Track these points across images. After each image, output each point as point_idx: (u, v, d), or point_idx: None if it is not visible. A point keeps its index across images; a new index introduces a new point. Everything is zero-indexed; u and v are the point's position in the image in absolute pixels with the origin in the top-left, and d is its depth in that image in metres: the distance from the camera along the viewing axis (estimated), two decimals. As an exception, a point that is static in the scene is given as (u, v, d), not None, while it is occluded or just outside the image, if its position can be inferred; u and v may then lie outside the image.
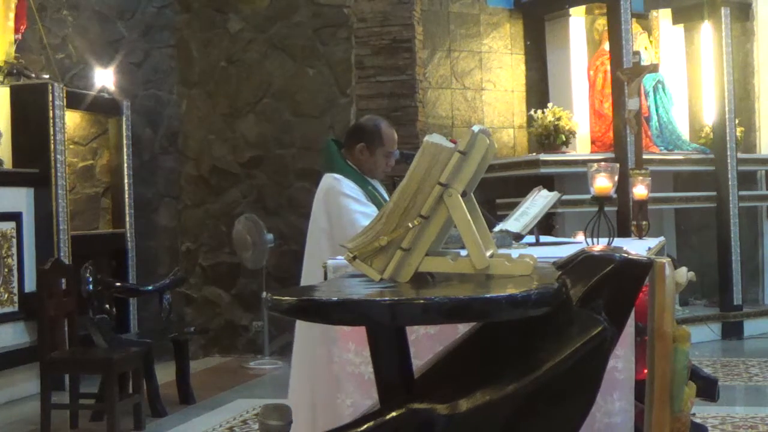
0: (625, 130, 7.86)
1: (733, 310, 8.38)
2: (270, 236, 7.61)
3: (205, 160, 8.29)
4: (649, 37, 8.88)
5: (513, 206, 3.95)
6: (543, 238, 3.91)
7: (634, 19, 8.30)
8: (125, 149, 7.84)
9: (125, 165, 7.83)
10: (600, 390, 2.08)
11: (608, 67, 8.37)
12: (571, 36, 8.63)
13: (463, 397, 1.97)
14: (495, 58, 8.82)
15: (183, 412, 6.12)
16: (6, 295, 6.52)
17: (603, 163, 3.50)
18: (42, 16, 8.02)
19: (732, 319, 8.37)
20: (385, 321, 1.90)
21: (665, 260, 2.20)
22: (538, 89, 8.90)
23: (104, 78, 7.90)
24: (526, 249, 3.25)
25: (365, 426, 2.00)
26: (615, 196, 3.62)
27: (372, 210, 3.69)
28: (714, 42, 8.45)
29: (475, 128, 2.12)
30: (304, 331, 3.74)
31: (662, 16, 8.88)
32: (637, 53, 8.06)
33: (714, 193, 8.45)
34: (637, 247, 3.14)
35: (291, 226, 7.67)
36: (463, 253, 2.13)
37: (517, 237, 3.51)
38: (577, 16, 8.68)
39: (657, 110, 8.59)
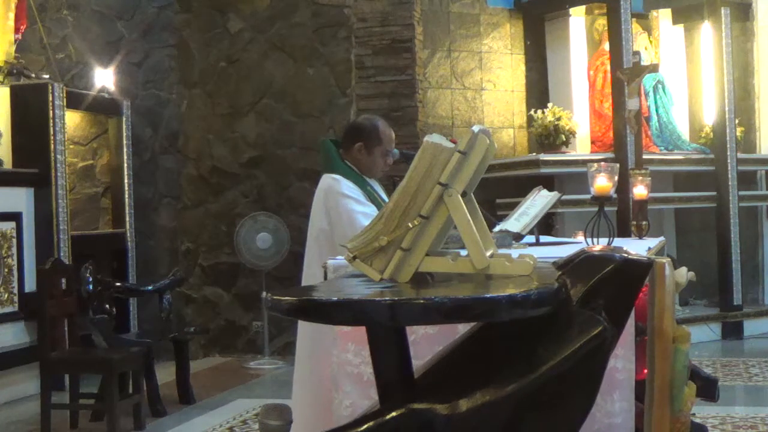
0: (625, 130, 7.86)
1: (733, 310, 8.38)
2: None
3: (205, 160, 8.28)
4: (649, 37, 8.88)
5: (513, 206, 3.95)
6: (543, 238, 3.91)
7: (634, 19, 8.30)
8: (125, 149, 7.85)
9: (125, 165, 7.83)
10: (600, 390, 2.08)
11: (608, 67, 8.37)
12: (571, 36, 8.62)
13: (463, 397, 1.97)
14: (495, 58, 8.82)
15: (183, 412, 6.12)
16: (6, 295, 6.52)
17: (603, 163, 3.50)
18: (42, 16, 8.03)
19: (732, 319, 8.37)
20: (385, 321, 1.90)
21: (665, 260, 2.20)
22: (538, 89, 8.90)
23: (104, 78, 7.91)
24: (526, 249, 3.25)
25: (365, 426, 2.00)
26: (615, 196, 3.61)
27: (371, 210, 3.69)
28: (714, 42, 8.45)
29: (475, 128, 2.12)
30: (305, 331, 3.74)
31: (662, 16, 8.88)
32: (637, 53, 8.06)
33: (714, 193, 8.45)
34: (637, 247, 3.14)
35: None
36: (463, 253, 2.13)
37: (517, 237, 3.51)
38: (577, 16, 8.68)
39: (657, 110, 8.58)
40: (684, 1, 8.83)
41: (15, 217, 6.67)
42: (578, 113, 8.49)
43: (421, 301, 1.89)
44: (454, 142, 2.13)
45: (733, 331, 8.36)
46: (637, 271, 2.14)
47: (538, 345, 2.02)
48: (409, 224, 2.08)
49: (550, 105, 8.36)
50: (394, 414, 1.99)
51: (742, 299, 8.42)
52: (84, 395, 5.78)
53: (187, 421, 5.88)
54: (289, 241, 7.61)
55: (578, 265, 2.14)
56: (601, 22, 8.64)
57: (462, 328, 2.34)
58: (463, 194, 2.09)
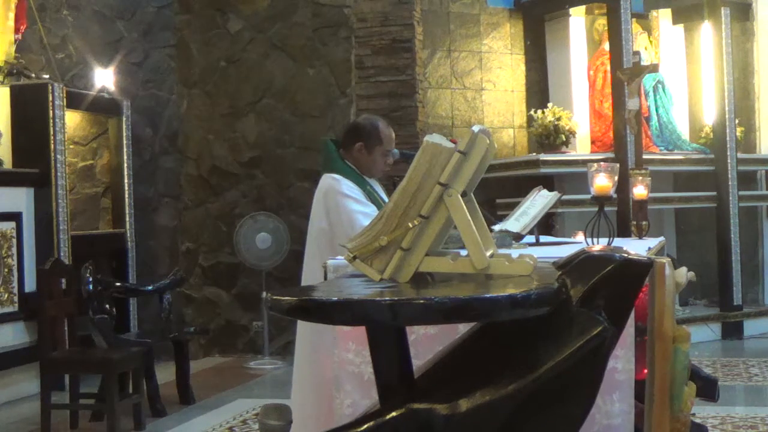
0: (625, 130, 7.86)
1: (733, 310, 8.38)
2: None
3: (205, 160, 8.28)
4: (649, 37, 8.88)
5: (513, 206, 3.95)
6: (543, 238, 3.91)
7: (634, 19, 8.30)
8: (125, 149, 7.85)
9: (125, 165, 7.83)
10: (600, 391, 2.08)
11: (608, 67, 8.37)
12: (571, 36, 8.62)
13: (463, 397, 1.97)
14: (495, 58, 8.82)
15: (183, 412, 6.12)
16: (6, 295, 6.52)
17: (603, 163, 3.50)
18: (42, 16, 8.03)
19: (732, 319, 8.37)
20: (385, 321, 1.90)
21: (665, 260, 2.20)
22: (538, 89, 8.90)
23: (104, 78, 7.91)
24: (526, 249, 3.25)
25: (365, 426, 2.00)
26: (615, 196, 3.62)
27: (371, 210, 3.70)
28: (714, 42, 8.45)
29: (475, 128, 2.12)
30: (304, 330, 3.74)
31: (662, 16, 8.88)
32: (637, 53, 8.06)
33: (714, 193, 8.45)
34: (637, 247, 3.14)
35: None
36: (463, 253, 2.13)
37: (517, 237, 3.51)
38: (577, 16, 8.68)
39: (657, 110, 8.58)
40: (684, 1, 8.83)
41: (15, 217, 6.66)
42: (578, 113, 8.48)
43: (422, 301, 1.89)
44: (454, 142, 2.13)
45: (733, 331, 8.35)
46: (637, 271, 2.14)
47: (538, 345, 2.02)
48: (409, 224, 2.08)
49: (550, 105, 8.36)
50: (394, 414, 1.99)
51: (742, 299, 8.41)
52: (84, 395, 5.78)
53: (187, 421, 5.88)
54: (288, 241, 7.61)
55: (578, 265, 2.14)
56: (601, 22, 8.64)
57: (462, 328, 2.34)
58: (463, 194, 2.09)
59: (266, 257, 7.66)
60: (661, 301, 2.16)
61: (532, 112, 8.44)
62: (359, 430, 2.00)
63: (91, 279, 5.74)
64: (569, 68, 8.62)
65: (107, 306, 5.85)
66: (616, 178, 3.44)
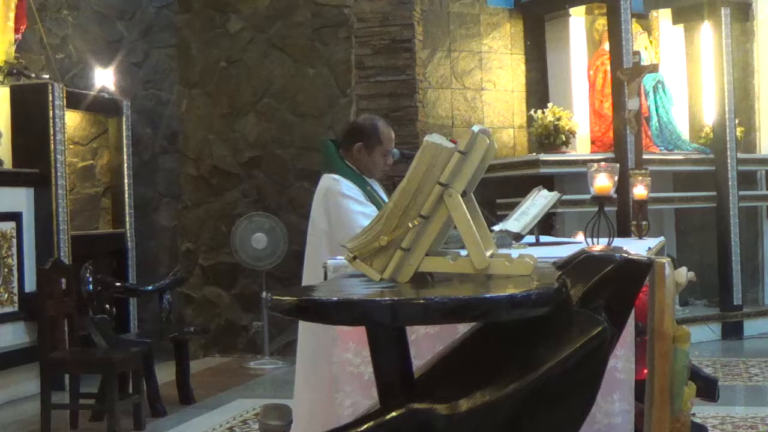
0: (625, 130, 7.86)
1: (733, 310, 8.38)
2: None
3: (205, 160, 8.28)
4: (649, 37, 8.88)
5: (513, 206, 3.95)
6: (543, 238, 3.91)
7: (634, 19, 8.30)
8: (125, 149, 7.85)
9: (125, 165, 7.84)
10: (600, 390, 2.08)
11: (608, 67, 8.36)
12: (571, 36, 8.62)
13: (463, 397, 1.97)
14: (495, 58, 8.82)
15: (183, 412, 6.12)
16: (6, 295, 6.52)
17: (603, 163, 3.50)
18: (42, 16, 8.04)
19: (732, 319, 8.37)
20: (385, 321, 1.90)
21: (665, 260, 2.20)
22: (538, 89, 8.90)
23: (104, 78, 7.92)
24: (526, 249, 3.25)
25: (365, 426, 2.00)
26: (615, 196, 3.61)
27: (371, 210, 3.69)
28: (714, 42, 8.45)
29: (475, 128, 2.12)
30: (305, 330, 3.74)
31: (662, 16, 8.88)
32: (637, 53, 8.06)
33: (714, 193, 8.45)
34: (637, 247, 3.14)
35: (291, 226, 7.67)
36: (463, 253, 2.13)
37: (517, 237, 3.51)
38: (577, 16, 8.68)
39: (657, 110, 8.58)
40: (684, 1, 8.82)
41: (15, 217, 6.67)
42: (578, 113, 8.48)
43: (422, 301, 1.89)
44: (454, 142, 2.13)
45: (733, 331, 8.36)
46: (637, 271, 2.14)
47: (538, 345, 2.02)
48: (409, 224, 2.08)
49: (550, 105, 8.36)
50: (394, 414, 1.99)
51: (742, 299, 8.42)
52: (84, 395, 5.78)
53: (187, 421, 5.88)
54: (286, 241, 7.60)
55: (578, 265, 2.14)
56: (601, 22, 8.64)
57: (462, 328, 2.34)
58: (463, 194, 2.09)
59: (263, 257, 7.66)
60: (661, 301, 2.16)
61: (532, 112, 8.44)
62: (359, 430, 2.00)
63: (91, 279, 5.75)
64: (569, 68, 8.62)
65: (107, 306, 5.86)
66: (616, 178, 3.44)
